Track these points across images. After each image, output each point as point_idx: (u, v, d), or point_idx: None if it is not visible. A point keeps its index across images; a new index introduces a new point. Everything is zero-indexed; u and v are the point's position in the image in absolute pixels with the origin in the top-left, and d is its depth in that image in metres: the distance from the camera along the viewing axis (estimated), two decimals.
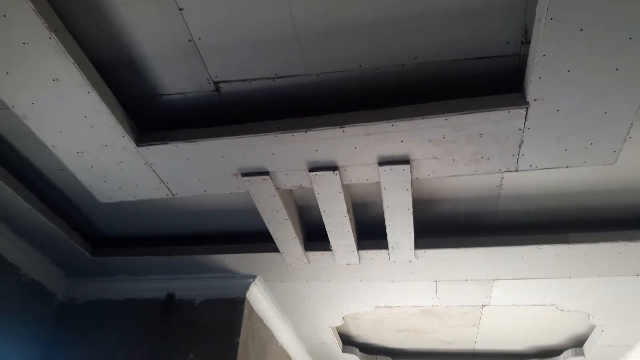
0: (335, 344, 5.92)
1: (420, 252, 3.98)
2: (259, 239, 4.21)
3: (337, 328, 5.97)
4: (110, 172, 3.31)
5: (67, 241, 4.17)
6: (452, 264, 4.11)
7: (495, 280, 4.32)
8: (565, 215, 3.80)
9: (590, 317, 4.84)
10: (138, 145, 3.10)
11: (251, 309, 4.66)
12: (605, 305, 4.62)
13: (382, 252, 4.03)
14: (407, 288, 4.56)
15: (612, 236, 3.73)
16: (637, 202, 3.62)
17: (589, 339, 5.51)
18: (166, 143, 3.08)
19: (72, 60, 2.58)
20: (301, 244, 3.98)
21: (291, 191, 3.69)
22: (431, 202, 3.79)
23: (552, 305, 4.68)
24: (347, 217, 3.59)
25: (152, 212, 4.04)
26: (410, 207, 3.46)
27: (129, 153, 3.15)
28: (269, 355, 5.14)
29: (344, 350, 6.18)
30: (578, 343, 5.85)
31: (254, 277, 4.51)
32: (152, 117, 3.15)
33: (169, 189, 3.46)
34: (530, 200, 3.69)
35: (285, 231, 3.79)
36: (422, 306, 4.91)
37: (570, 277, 4.19)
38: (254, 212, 3.80)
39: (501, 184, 3.54)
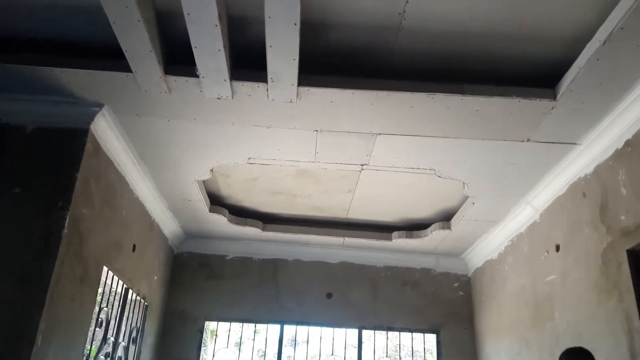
0: (202, 201, 5.40)
1: (304, 90, 3.44)
2: (110, 57, 3.40)
3: (207, 187, 5.44)
4: None
5: None
6: (337, 110, 3.65)
7: (379, 134, 3.95)
8: (464, 65, 3.44)
9: (465, 186, 4.75)
10: None
11: (98, 146, 3.90)
12: (482, 175, 4.52)
13: (259, 87, 3.43)
14: (285, 137, 4.06)
15: (508, 91, 3.46)
16: (541, 55, 3.32)
17: (458, 212, 5.55)
18: None
19: None
20: (160, 63, 3.24)
21: None
22: (322, 27, 3.20)
23: (431, 170, 4.49)
24: (219, 27, 2.88)
25: None
26: (298, 21, 2.83)
27: None
28: (120, 204, 4.49)
29: (211, 210, 5.71)
30: (446, 217, 5.92)
31: (101, 105, 3.71)
32: None
33: None
34: (431, 39, 3.24)
35: (137, 39, 3.01)
36: (299, 161, 4.47)
37: (456, 138, 3.94)
38: (102, 17, 2.97)
39: (404, 11, 3.02)
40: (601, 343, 3.74)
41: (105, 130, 3.90)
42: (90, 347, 4.19)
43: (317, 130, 3.94)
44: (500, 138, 3.92)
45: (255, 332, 8.69)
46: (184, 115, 3.79)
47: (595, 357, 3.66)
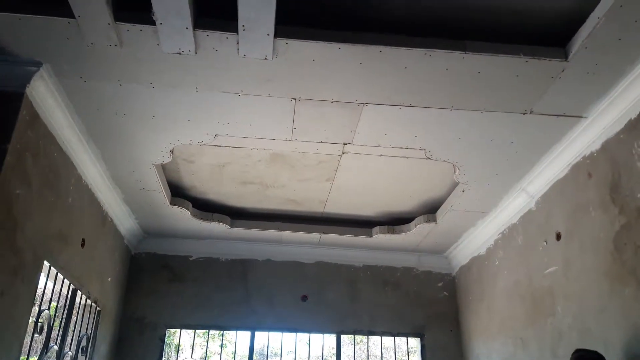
0: (162, 191, 4.79)
1: (282, 43, 2.94)
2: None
3: (167, 175, 4.84)
4: None
5: None
6: (320, 71, 3.15)
7: (367, 104, 3.47)
8: (465, 18, 3.01)
9: (457, 170, 4.32)
10: None
11: (36, 115, 3.30)
12: (476, 157, 4.10)
13: (228, 38, 2.90)
14: (259, 108, 3.53)
15: (514, 49, 3.04)
16: (552, 7, 2.92)
17: (446, 202, 5.11)
18: None
19: None
20: (108, 3, 2.68)
21: None
22: None
23: (421, 149, 4.03)
24: None
25: None
26: None
27: None
28: (66, 190, 3.87)
29: (172, 203, 5.11)
30: (430, 210, 5.48)
31: (38, 64, 3.12)
32: None
33: None
34: None
35: None
36: (273, 139, 3.95)
37: (451, 109, 3.50)
38: None
39: None
40: (615, 336, 3.32)
41: (45, 97, 3.30)
42: (28, 357, 3.53)
43: (295, 99, 3.44)
44: (501, 109, 3.50)
45: (222, 345, 8.04)
46: (138, 77, 3.22)
47: (610, 351, 3.26)
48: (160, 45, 2.93)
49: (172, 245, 5.99)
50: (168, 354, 8.33)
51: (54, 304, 3.91)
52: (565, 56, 3.06)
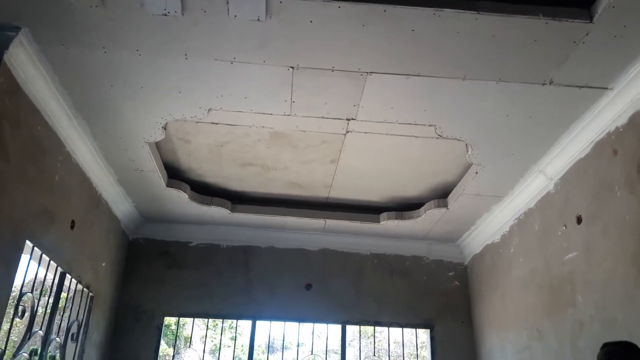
0: (157, 172, 4.56)
1: (275, 2, 2.67)
2: None
3: (163, 156, 4.61)
4: None
5: None
6: (319, 35, 2.88)
7: (371, 73, 3.20)
8: None
9: (470, 149, 4.03)
10: None
11: (16, 85, 3.07)
12: (491, 134, 3.81)
13: None
14: (254, 78, 3.28)
15: (532, 9, 2.74)
16: None
17: (458, 185, 4.82)
18: None
19: None
20: None
21: None
22: None
23: (430, 126, 3.75)
24: None
25: None
26: None
27: None
28: (52, 167, 3.65)
29: (168, 185, 4.88)
30: (441, 195, 5.19)
31: (17, 29, 2.89)
32: None
33: None
34: None
35: None
36: (271, 114, 3.69)
37: (464, 79, 3.21)
38: None
39: None
40: None
41: (27, 66, 3.07)
42: (7, 342, 3.33)
43: (292, 67, 3.17)
44: (517, 80, 3.20)
45: (234, 336, 7.84)
46: (123, 43, 2.98)
47: (636, 343, 2.96)
48: (144, 7, 2.68)
49: (171, 231, 5.78)
50: (178, 346, 8.15)
51: (40, 286, 3.71)
52: (589, 18, 2.76)
